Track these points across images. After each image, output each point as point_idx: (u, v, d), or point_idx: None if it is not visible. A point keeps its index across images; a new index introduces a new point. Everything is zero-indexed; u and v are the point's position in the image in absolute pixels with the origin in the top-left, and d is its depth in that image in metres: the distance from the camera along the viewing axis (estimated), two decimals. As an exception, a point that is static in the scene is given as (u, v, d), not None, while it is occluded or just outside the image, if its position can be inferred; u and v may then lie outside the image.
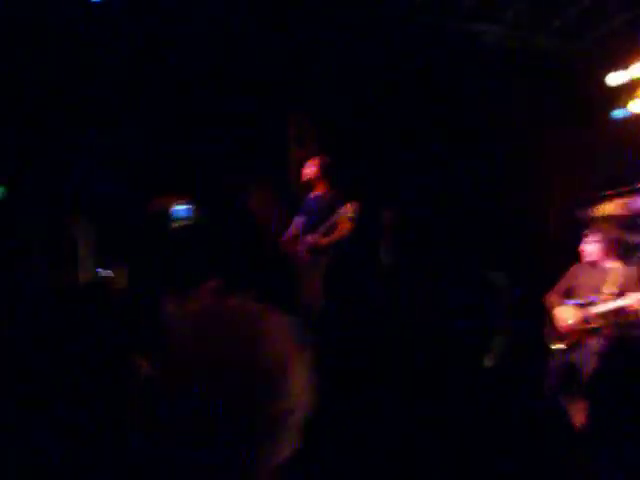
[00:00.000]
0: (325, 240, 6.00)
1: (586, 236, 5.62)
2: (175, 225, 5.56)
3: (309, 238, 6.11)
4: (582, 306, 5.33)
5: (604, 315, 5.14)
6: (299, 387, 1.40)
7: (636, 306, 4.91)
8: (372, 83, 7.16)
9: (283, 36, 6.70)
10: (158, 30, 6.37)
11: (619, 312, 5.04)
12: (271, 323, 1.44)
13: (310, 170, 6.31)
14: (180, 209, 5.74)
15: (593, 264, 5.47)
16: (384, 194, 6.78)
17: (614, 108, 7.30)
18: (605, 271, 5.31)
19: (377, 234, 6.41)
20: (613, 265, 5.30)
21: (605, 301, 5.14)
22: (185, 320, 1.48)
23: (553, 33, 7.20)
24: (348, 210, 5.83)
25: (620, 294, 5.07)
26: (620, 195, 7.81)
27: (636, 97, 7.04)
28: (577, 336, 5.28)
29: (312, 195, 6.38)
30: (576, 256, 8.28)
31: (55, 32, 5.91)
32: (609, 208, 7.98)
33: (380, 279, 6.19)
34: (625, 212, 7.74)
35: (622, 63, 7.02)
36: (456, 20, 7.00)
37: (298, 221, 6.42)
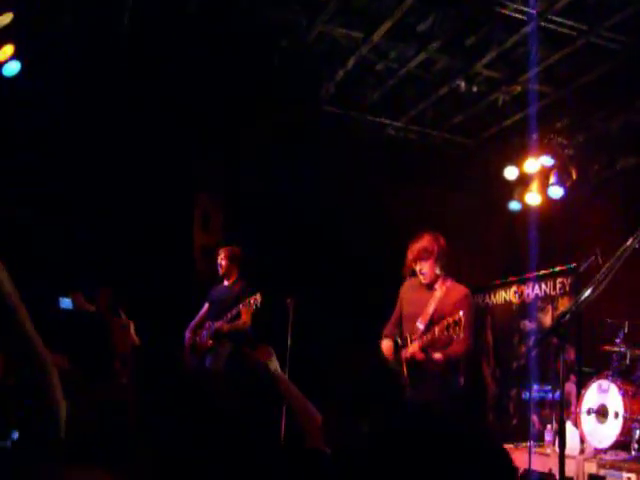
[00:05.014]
0: (227, 327, 6.10)
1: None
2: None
3: (212, 324, 6.20)
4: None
5: None
6: None
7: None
8: (278, 168, 7.27)
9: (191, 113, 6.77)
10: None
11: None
12: None
13: (220, 263, 6.40)
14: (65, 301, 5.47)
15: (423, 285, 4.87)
16: (289, 283, 6.75)
17: (510, 200, 7.70)
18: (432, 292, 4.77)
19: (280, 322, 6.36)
20: (440, 287, 4.75)
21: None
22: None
23: (453, 129, 7.58)
24: (252, 300, 5.94)
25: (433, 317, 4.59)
26: (514, 283, 8.13)
27: (530, 191, 7.46)
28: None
29: (222, 284, 6.47)
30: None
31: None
32: (504, 295, 8.28)
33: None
34: (518, 300, 8.05)
35: (515, 159, 7.44)
36: (362, 112, 7.26)
37: (205, 308, 6.52)
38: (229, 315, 6.06)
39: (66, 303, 5.08)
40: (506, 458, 1.27)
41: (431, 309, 4.61)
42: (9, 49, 5.29)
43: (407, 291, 4.96)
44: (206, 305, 6.49)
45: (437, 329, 4.42)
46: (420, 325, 4.61)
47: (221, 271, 6.37)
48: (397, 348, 4.79)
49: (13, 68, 5.43)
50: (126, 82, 6.33)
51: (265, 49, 6.26)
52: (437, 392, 4.51)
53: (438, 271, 4.74)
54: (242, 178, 7.31)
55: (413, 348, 4.56)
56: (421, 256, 4.72)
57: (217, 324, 6.12)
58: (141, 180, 6.91)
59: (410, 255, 4.79)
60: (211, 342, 6.16)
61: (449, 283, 4.78)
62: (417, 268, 4.75)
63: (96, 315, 5.01)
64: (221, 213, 7.68)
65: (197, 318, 6.48)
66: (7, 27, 5.07)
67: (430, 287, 4.76)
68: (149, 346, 6.17)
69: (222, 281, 6.45)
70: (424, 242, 4.74)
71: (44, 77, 5.87)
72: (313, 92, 6.87)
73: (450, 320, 4.33)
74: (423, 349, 4.53)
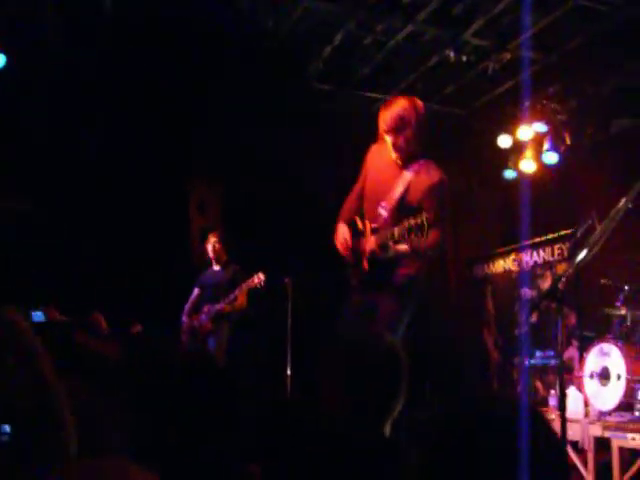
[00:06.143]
0: (228, 308, 6.16)
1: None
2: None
3: (212, 307, 6.23)
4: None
5: None
6: None
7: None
8: (270, 150, 7.24)
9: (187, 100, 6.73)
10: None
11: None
12: None
13: (213, 247, 6.44)
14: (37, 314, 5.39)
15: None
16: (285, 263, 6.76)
17: (505, 169, 7.69)
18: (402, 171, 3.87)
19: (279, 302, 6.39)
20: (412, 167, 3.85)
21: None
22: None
23: (444, 100, 7.54)
24: (256, 279, 5.98)
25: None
26: (513, 251, 8.15)
27: (524, 158, 7.44)
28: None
29: (212, 269, 6.53)
30: (475, 314, 8.55)
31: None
32: (503, 264, 8.30)
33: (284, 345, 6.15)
34: (517, 268, 8.08)
35: (508, 127, 7.42)
36: (352, 88, 7.22)
37: (196, 294, 6.57)
38: (230, 297, 6.11)
39: (38, 316, 5.01)
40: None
41: (398, 193, 3.77)
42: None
43: (375, 159, 4.08)
44: (196, 290, 6.55)
45: (397, 231, 3.55)
46: (383, 212, 3.80)
47: (214, 255, 6.41)
48: (356, 234, 3.98)
49: (-1, 61, 5.40)
50: (116, 68, 6.29)
51: (253, 29, 6.22)
52: (394, 299, 3.79)
53: (416, 147, 3.85)
54: (236, 160, 7.28)
55: (370, 244, 3.77)
56: (396, 126, 3.77)
57: (219, 306, 6.16)
58: (136, 166, 6.90)
59: (382, 124, 3.84)
60: (211, 325, 6.20)
61: (423, 163, 3.88)
62: (389, 140, 3.84)
63: (67, 324, 4.97)
64: (217, 196, 7.68)
65: (190, 303, 6.53)
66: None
67: (404, 163, 3.89)
68: (147, 331, 6.20)
69: (211, 265, 6.50)
70: (398, 109, 3.79)
71: (30, 69, 5.84)
72: (302, 70, 6.84)
73: (412, 222, 3.46)
74: (383, 246, 3.70)
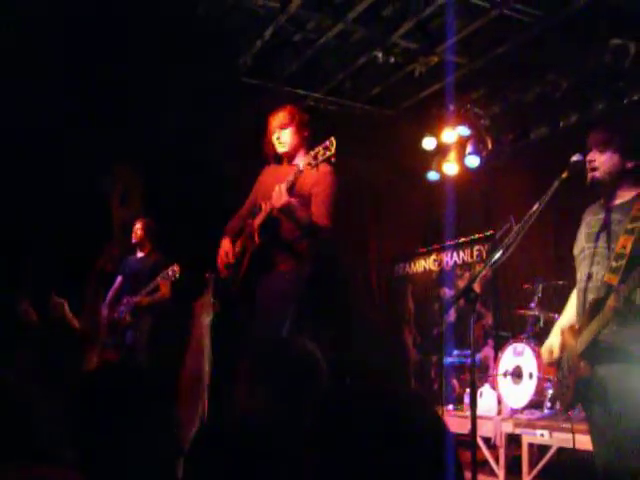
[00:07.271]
0: (146, 300, 6.05)
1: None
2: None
3: (131, 299, 6.11)
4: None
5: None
6: None
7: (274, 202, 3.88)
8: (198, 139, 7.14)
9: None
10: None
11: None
12: None
13: (135, 232, 6.34)
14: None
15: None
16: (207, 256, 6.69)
17: (428, 170, 7.82)
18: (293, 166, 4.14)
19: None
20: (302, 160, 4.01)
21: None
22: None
23: (371, 100, 7.60)
24: (170, 272, 5.90)
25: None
26: (433, 252, 8.30)
27: (447, 161, 7.59)
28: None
29: (135, 256, 6.42)
30: (397, 313, 8.65)
31: None
32: (423, 264, 8.45)
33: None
34: (437, 268, 8.23)
35: (433, 129, 7.55)
36: (278, 83, 7.19)
37: (119, 282, 6.43)
38: (147, 288, 5.99)
39: None
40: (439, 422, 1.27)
41: (291, 178, 3.95)
42: None
43: (265, 174, 4.46)
44: (119, 278, 6.40)
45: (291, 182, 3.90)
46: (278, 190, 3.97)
47: (135, 239, 6.29)
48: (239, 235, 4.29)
49: None
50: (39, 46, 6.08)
51: (183, 16, 6.12)
52: (282, 276, 4.05)
53: (300, 141, 4.24)
54: (159, 152, 7.14)
55: (270, 202, 3.95)
56: (280, 124, 4.23)
57: (136, 298, 6.04)
58: (57, 154, 6.69)
59: (271, 126, 4.29)
60: (129, 318, 6.07)
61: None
62: (275, 137, 4.25)
63: None
64: (141, 186, 7.52)
65: (111, 293, 6.36)
66: None
67: (291, 160, 4.25)
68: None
69: (135, 253, 6.38)
70: (283, 111, 4.29)
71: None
72: (230, 63, 6.77)
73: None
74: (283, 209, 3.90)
